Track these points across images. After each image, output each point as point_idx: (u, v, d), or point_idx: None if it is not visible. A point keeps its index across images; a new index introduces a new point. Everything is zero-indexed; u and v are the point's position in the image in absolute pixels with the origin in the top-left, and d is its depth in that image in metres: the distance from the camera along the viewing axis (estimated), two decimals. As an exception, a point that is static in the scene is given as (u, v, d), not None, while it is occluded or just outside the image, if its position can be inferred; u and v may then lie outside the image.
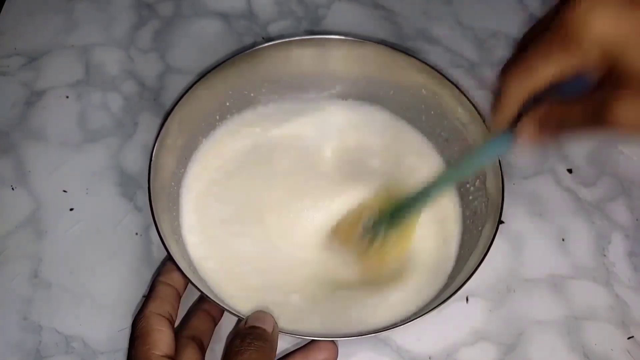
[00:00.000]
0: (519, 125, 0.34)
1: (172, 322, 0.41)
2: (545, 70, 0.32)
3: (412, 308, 0.44)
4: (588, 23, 0.29)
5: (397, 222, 0.44)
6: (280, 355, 0.43)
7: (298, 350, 0.43)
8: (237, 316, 0.40)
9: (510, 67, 0.33)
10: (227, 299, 0.45)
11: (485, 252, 0.41)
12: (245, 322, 0.40)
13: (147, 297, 0.42)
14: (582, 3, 0.29)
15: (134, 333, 0.40)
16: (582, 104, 0.32)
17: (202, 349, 0.41)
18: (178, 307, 0.43)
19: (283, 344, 0.45)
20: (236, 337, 0.39)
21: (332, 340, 0.42)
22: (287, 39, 0.49)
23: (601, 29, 0.29)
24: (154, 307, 0.40)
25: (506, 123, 0.35)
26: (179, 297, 0.43)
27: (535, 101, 0.33)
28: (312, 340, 0.42)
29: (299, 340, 0.45)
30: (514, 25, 0.61)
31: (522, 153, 0.50)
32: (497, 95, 0.35)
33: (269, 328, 0.39)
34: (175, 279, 0.43)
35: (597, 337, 0.47)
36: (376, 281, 0.46)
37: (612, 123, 0.31)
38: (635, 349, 0.46)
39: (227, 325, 0.46)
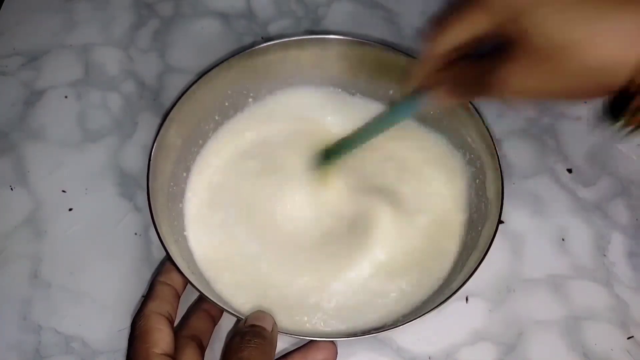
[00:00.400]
0: (427, 83, 0.38)
1: (171, 322, 0.41)
2: (458, 32, 0.35)
3: (411, 308, 0.44)
4: None
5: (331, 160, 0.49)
6: (279, 355, 0.43)
7: (297, 350, 0.43)
8: (237, 316, 0.40)
9: (429, 29, 0.36)
10: (227, 298, 0.45)
11: (485, 252, 0.41)
12: (245, 321, 0.40)
13: (146, 297, 0.42)
14: None
15: (133, 332, 0.40)
16: (478, 67, 0.34)
17: (202, 348, 0.41)
18: (177, 307, 0.43)
19: (282, 344, 0.45)
20: (236, 335, 0.39)
21: (331, 341, 0.42)
22: (286, 39, 0.49)
23: None
24: (153, 306, 0.40)
25: (420, 81, 0.39)
26: (178, 297, 0.43)
27: (451, 63, 0.37)
28: (311, 340, 0.42)
29: (298, 340, 0.45)
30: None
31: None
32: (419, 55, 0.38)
33: (268, 327, 0.39)
34: (174, 278, 0.43)
35: (597, 337, 0.47)
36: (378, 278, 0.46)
37: (495, 87, 0.33)
38: (635, 349, 0.46)
39: (227, 324, 0.46)
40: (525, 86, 0.32)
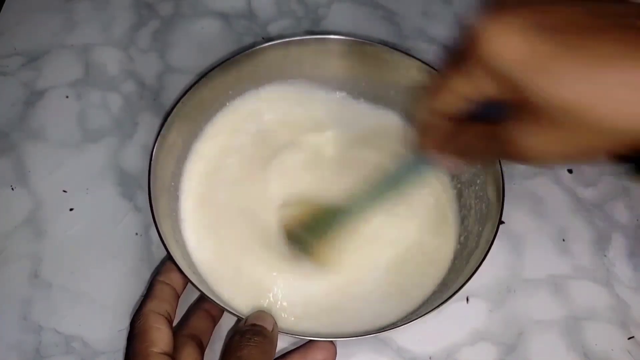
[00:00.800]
0: (428, 147, 0.35)
1: (170, 321, 0.41)
2: (450, 100, 0.32)
3: (411, 309, 0.44)
4: (492, 49, 0.28)
5: (322, 232, 0.46)
6: (279, 355, 0.43)
7: (296, 350, 0.43)
8: (237, 316, 0.41)
9: (424, 90, 0.33)
10: (227, 298, 0.45)
11: (485, 252, 0.41)
12: (245, 321, 0.40)
13: (145, 296, 0.42)
14: (489, 28, 0.28)
15: (132, 331, 0.40)
16: (489, 131, 0.32)
17: (202, 347, 0.41)
18: (176, 307, 0.43)
19: (282, 344, 0.45)
20: (236, 333, 0.39)
21: (331, 341, 0.42)
22: (287, 39, 0.49)
23: (505, 55, 0.27)
24: (152, 306, 0.41)
25: (420, 146, 0.36)
26: (177, 297, 0.43)
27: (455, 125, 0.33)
28: (310, 340, 0.42)
29: (297, 340, 0.45)
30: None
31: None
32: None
33: (268, 326, 0.39)
34: (173, 278, 0.43)
35: (597, 337, 0.47)
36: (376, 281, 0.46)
37: (507, 152, 0.31)
38: (635, 349, 0.46)
39: (227, 324, 0.46)
40: (536, 148, 0.30)
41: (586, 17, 0.27)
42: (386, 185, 0.42)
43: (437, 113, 0.33)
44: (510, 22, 0.27)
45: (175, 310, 0.42)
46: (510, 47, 0.27)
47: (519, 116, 0.29)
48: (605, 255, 0.50)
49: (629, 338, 0.47)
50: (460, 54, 0.30)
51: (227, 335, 0.45)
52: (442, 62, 0.32)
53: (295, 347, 0.44)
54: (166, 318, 0.40)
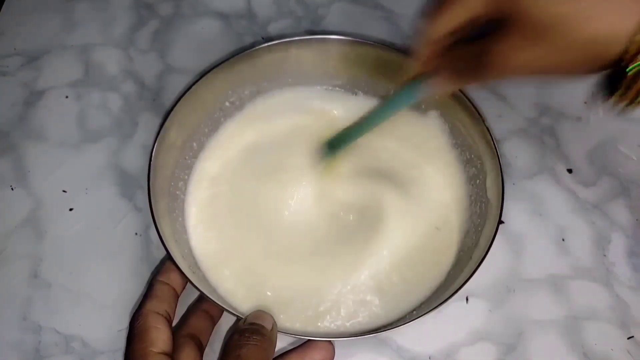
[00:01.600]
0: (425, 69, 0.39)
1: (169, 321, 0.41)
2: (453, 16, 0.35)
3: (411, 308, 0.44)
4: None
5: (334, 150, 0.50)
6: (277, 354, 0.43)
7: (295, 350, 0.43)
8: (237, 316, 0.41)
9: (424, 15, 0.36)
10: (227, 298, 0.45)
11: (485, 252, 0.41)
12: (245, 320, 0.40)
13: (145, 296, 0.42)
14: None
15: (131, 331, 0.40)
16: (474, 48, 0.35)
17: (201, 347, 0.41)
18: (175, 307, 0.43)
19: (280, 344, 0.45)
20: (235, 332, 0.39)
21: (329, 340, 0.42)
22: (287, 39, 0.49)
23: None
24: (151, 305, 0.41)
25: (418, 68, 0.39)
26: (177, 296, 0.43)
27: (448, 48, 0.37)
28: (309, 340, 0.42)
29: (296, 339, 0.45)
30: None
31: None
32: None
33: (268, 325, 0.39)
34: (173, 278, 0.43)
35: (597, 336, 0.47)
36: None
37: (492, 66, 0.34)
38: (635, 349, 0.46)
39: (227, 323, 0.46)
40: (521, 62, 0.33)
41: None
42: (387, 107, 0.46)
43: (434, 34, 0.37)
44: None
45: (174, 310, 0.42)
46: None
47: (506, 32, 0.32)
48: (605, 255, 0.50)
49: (629, 338, 0.47)
50: None
51: (226, 335, 0.45)
52: None
53: (293, 347, 0.44)
54: (165, 318, 0.40)
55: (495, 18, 0.33)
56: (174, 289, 0.43)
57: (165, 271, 0.43)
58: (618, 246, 0.51)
